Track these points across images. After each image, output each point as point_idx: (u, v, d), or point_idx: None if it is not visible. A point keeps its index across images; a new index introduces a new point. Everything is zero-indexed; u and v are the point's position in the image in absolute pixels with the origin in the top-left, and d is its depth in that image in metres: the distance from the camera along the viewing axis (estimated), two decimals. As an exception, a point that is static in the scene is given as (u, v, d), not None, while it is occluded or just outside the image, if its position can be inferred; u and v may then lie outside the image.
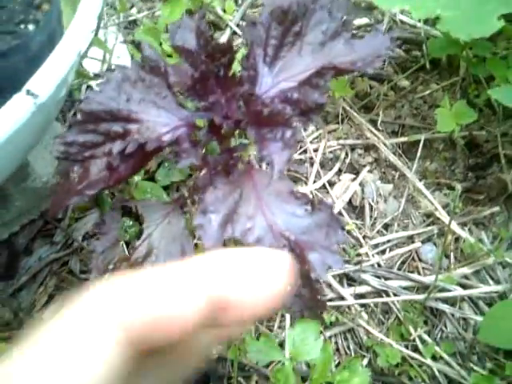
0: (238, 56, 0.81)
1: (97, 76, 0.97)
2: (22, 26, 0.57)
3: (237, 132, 0.60)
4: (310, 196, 0.88)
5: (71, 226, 0.89)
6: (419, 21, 1.08)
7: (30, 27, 0.57)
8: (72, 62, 0.56)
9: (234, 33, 1.08)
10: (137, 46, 0.60)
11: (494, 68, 0.85)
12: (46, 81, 0.52)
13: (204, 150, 0.62)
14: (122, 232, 0.80)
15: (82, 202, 0.57)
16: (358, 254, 0.84)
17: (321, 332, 0.77)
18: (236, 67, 0.58)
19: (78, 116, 0.54)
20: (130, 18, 1.11)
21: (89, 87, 0.97)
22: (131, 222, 0.85)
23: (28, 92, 0.50)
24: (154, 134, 0.55)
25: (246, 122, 0.50)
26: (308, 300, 0.54)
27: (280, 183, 0.53)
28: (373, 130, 0.94)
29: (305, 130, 0.94)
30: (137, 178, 0.87)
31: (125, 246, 0.75)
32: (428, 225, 0.89)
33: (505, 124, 0.94)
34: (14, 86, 0.51)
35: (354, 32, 0.61)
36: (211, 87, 0.54)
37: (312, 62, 0.57)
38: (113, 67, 1.01)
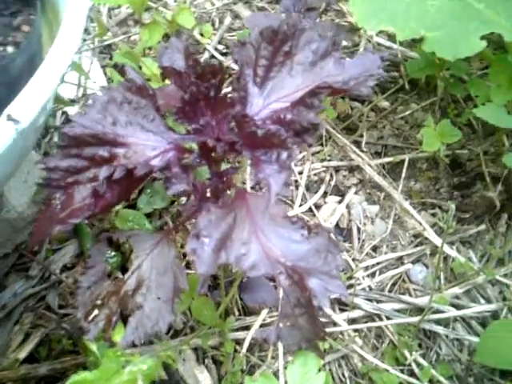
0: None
1: (73, 101, 0.94)
2: (1, 48, 0.54)
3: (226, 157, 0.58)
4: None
5: (48, 258, 0.84)
6: (396, 42, 1.09)
7: (10, 49, 0.54)
8: (54, 86, 0.53)
9: (212, 56, 1.06)
10: (117, 69, 0.58)
11: (475, 88, 0.86)
12: (28, 106, 0.49)
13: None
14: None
15: (63, 231, 0.54)
16: (349, 278, 0.83)
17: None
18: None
19: (62, 140, 0.51)
20: (106, 43, 1.09)
21: (64, 113, 0.94)
22: (113, 253, 0.81)
23: (9, 117, 0.47)
24: (142, 158, 0.52)
25: (241, 143, 0.48)
26: (306, 330, 0.51)
27: (274, 207, 0.51)
28: (357, 151, 0.94)
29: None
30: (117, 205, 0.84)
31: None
32: (416, 245, 0.88)
33: (485, 142, 0.95)
34: (-7, 111, 0.47)
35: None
36: (201, 109, 0.51)
37: (303, 82, 0.56)
38: (89, 92, 0.99)
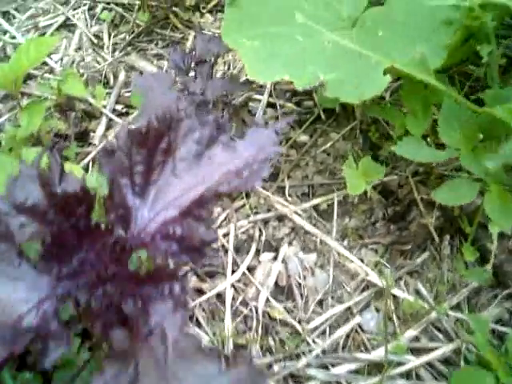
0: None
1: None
2: None
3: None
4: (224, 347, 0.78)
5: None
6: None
7: None
8: None
9: (111, 120, 0.97)
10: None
11: (392, 117, 0.80)
12: None
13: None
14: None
15: None
16: (298, 345, 0.76)
17: None
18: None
19: None
20: (-10, 125, 0.98)
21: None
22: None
23: None
24: (12, 315, 0.43)
25: (118, 295, 0.39)
26: None
27: (183, 341, 0.43)
28: (281, 200, 0.87)
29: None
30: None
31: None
32: (363, 289, 0.82)
33: (413, 163, 0.90)
34: None
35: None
36: (73, 246, 0.43)
37: (191, 179, 0.48)
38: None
